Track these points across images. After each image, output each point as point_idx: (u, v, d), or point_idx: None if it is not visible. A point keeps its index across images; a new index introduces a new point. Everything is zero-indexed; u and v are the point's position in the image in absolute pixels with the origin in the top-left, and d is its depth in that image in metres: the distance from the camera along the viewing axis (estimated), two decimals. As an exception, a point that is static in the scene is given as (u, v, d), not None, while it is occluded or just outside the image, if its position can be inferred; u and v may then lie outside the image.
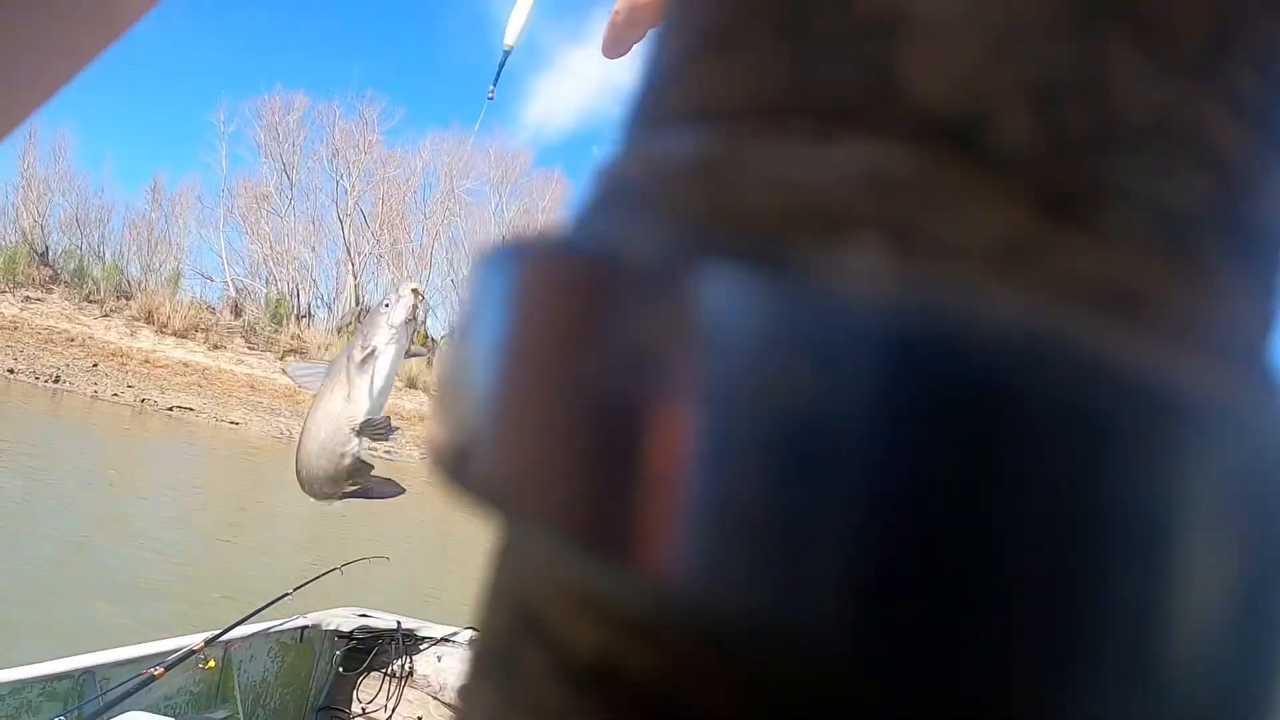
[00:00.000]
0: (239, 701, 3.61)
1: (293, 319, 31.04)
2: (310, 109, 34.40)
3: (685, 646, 0.11)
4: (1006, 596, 0.09)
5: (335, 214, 33.62)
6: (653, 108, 0.14)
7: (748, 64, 0.12)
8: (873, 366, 0.09)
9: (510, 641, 0.13)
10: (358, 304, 32.19)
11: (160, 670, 3.03)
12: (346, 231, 32.99)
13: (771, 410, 0.10)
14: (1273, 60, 0.11)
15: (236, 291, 32.46)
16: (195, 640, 3.29)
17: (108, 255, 32.29)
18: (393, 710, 4.05)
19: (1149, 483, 0.09)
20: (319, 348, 28.40)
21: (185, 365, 26.13)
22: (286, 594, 3.78)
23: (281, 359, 27.68)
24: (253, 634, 3.65)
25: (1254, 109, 0.11)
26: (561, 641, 0.12)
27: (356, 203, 33.63)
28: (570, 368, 0.11)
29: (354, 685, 4.10)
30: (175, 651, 3.21)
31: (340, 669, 4.12)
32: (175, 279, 32.04)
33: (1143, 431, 0.09)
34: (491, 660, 0.14)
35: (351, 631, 4.06)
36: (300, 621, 3.93)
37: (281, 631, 3.83)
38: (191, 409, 22.52)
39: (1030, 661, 0.09)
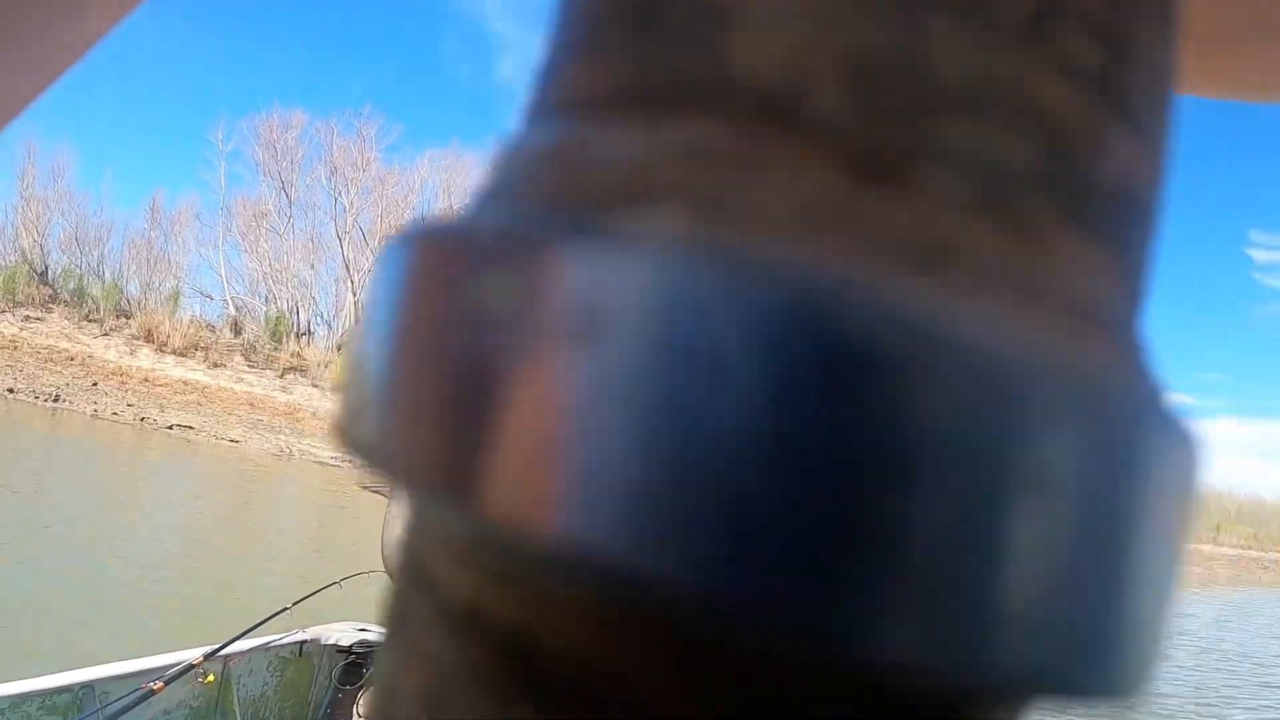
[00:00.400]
0: (238, 716, 3.60)
1: (292, 337, 31.07)
2: (308, 127, 34.57)
3: (544, 589, 0.12)
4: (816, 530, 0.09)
5: (334, 231, 33.75)
6: (534, 104, 0.15)
7: (605, 58, 0.13)
8: (679, 320, 0.10)
9: (404, 592, 0.14)
10: (357, 322, 32.16)
11: (159, 685, 3.02)
12: (345, 249, 33.08)
13: (600, 362, 0.10)
14: (1109, 24, 0.12)
15: (236, 309, 32.53)
16: (194, 654, 3.28)
17: (107, 274, 32.42)
18: None
19: (942, 425, 0.10)
20: (319, 365, 28.44)
21: (185, 383, 26.16)
22: (286, 608, 3.77)
23: (281, 376, 27.73)
24: (252, 649, 3.64)
25: (1088, 73, 0.12)
26: (439, 588, 0.13)
27: (355, 220, 33.74)
28: (430, 335, 0.12)
29: (353, 700, 4.05)
30: (174, 666, 3.20)
31: (339, 683, 4.10)
32: (175, 297, 32.17)
33: (937, 371, 0.10)
34: (392, 612, 0.14)
35: (350, 646, 4.04)
36: (299, 636, 3.91)
37: (281, 646, 3.82)
38: (191, 427, 22.55)
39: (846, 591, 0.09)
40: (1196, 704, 10.50)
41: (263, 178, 34.55)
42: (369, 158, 34.62)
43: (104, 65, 52.35)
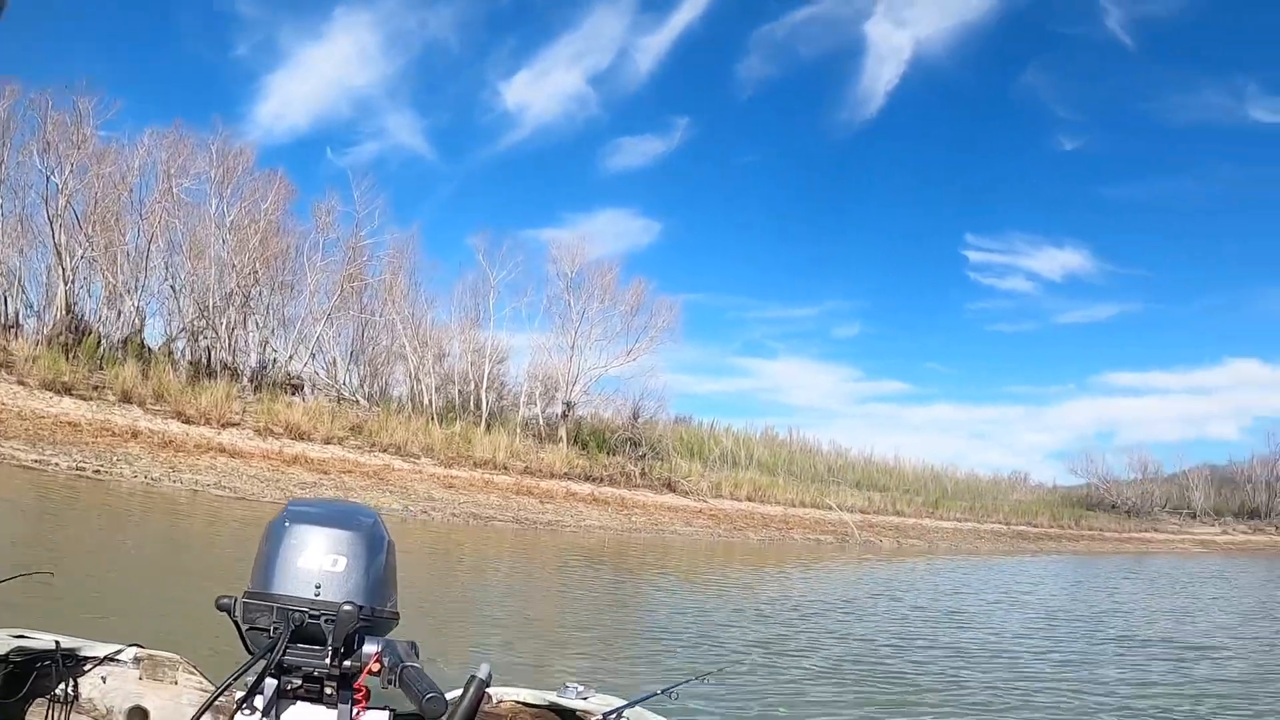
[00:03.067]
0: None
1: (-2, 328, 29.83)
2: (21, 98, 32.78)
3: None
4: None
5: (46, 213, 32.25)
6: None
7: None
8: None
9: None
10: (69, 312, 31.16)
11: None
12: (57, 232, 31.71)
13: None
14: None
15: (-66, 298, 30.84)
16: None
17: None
18: None
19: None
20: (26, 360, 27.51)
21: None
22: None
23: (-17, 371, 26.68)
24: None
25: None
26: None
27: (69, 201, 32.35)
28: None
29: (15, 715, 3.71)
30: None
31: (2, 697, 3.68)
32: None
33: None
34: None
35: (7, 654, 3.62)
36: None
37: None
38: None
39: None
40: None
41: (-34, 153, 32.60)
42: (86, 133, 33.14)
43: None
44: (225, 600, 2.79)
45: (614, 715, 3.71)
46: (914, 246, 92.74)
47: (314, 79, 78.66)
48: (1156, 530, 64.22)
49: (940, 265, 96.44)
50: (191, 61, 65.15)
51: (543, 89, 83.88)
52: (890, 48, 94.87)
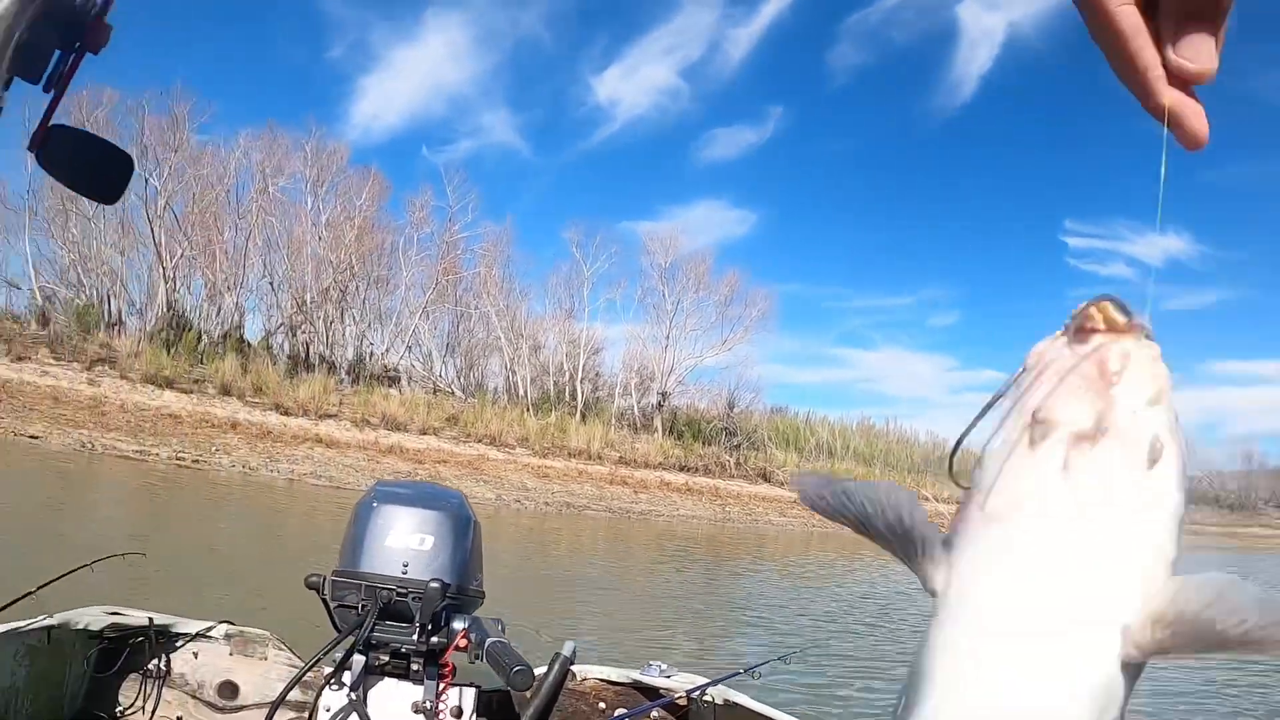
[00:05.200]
0: None
1: (102, 327, 30.49)
2: (119, 104, 33.53)
3: None
4: None
5: (145, 215, 32.93)
6: None
7: None
8: None
9: None
10: (170, 309, 31.74)
11: None
12: (157, 233, 32.36)
13: None
14: None
15: (44, 300, 31.66)
16: None
17: (-98, 264, 31.16)
18: (152, 713, 3.84)
19: None
20: (129, 356, 28.06)
21: (-16, 378, 25.55)
22: (30, 592, 3.55)
23: (89, 369, 27.28)
24: None
25: None
26: None
27: (168, 203, 33.00)
28: None
29: (110, 688, 3.85)
30: None
31: (94, 672, 3.86)
32: (-25, 287, 31.12)
33: None
34: None
35: (102, 630, 3.79)
36: (46, 621, 3.63)
37: (26, 633, 3.54)
38: (-11, 425, 22.07)
39: None
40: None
41: (70, 160, 33.30)
42: (182, 137, 33.82)
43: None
44: (314, 578, 2.89)
45: (697, 693, 3.73)
46: (1012, 232, 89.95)
47: (408, 78, 79.51)
48: (1261, 525, 61.44)
49: (1039, 251, 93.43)
50: (285, 65, 66.29)
51: (635, 82, 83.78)
52: (982, 31, 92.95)
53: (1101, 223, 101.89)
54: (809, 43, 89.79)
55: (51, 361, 27.39)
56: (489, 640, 2.70)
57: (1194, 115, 0.54)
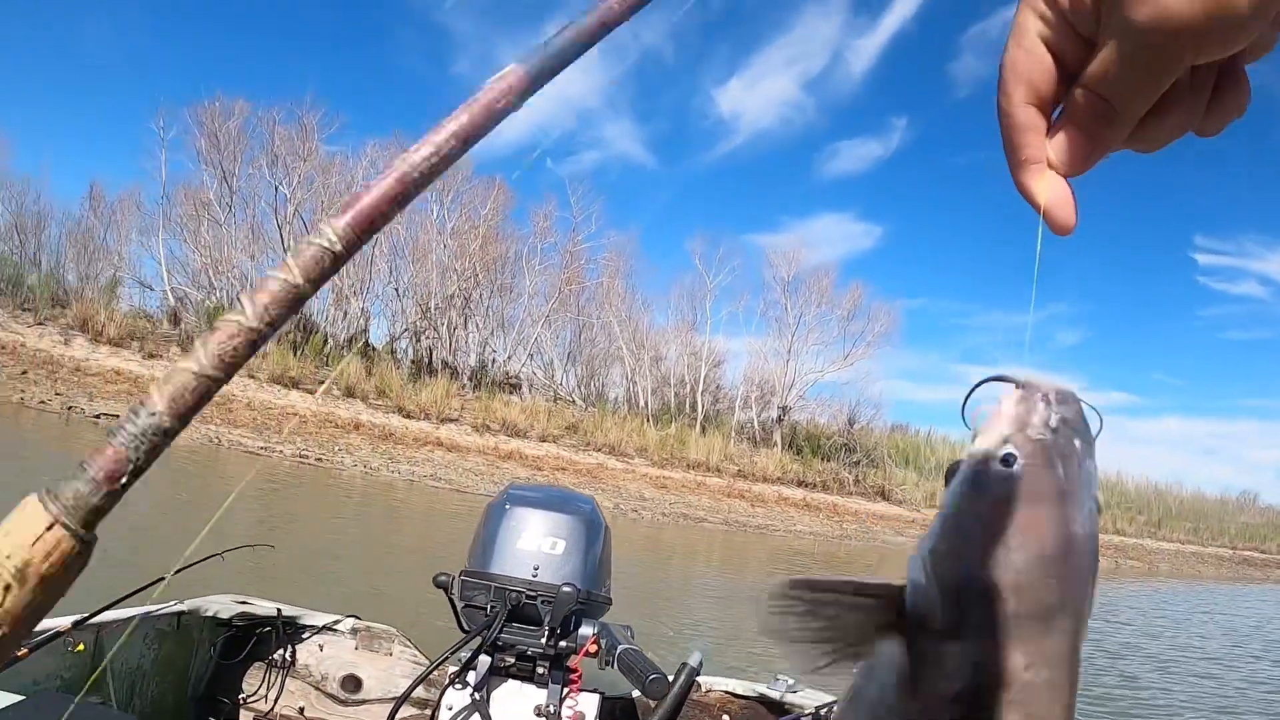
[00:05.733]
0: (112, 689, 3.42)
1: (231, 327, 30.88)
2: (251, 115, 34.26)
3: None
4: None
5: (275, 221, 33.51)
6: None
7: None
8: None
9: None
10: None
11: (24, 650, 2.80)
12: (286, 239, 32.84)
13: None
14: None
15: (176, 301, 32.32)
16: (63, 622, 3.09)
17: (44, 263, 32.10)
18: (275, 701, 3.89)
19: None
20: (257, 356, 28.35)
21: (117, 373, 25.95)
22: (162, 578, 3.55)
23: (217, 366, 27.60)
24: (125, 618, 3.42)
25: None
26: None
27: (297, 210, 33.50)
28: None
29: (234, 675, 3.92)
30: (41, 633, 2.97)
31: (220, 658, 3.94)
32: (113, 287, 31.86)
33: None
34: None
35: (230, 618, 3.89)
36: (177, 607, 3.73)
37: (157, 617, 3.64)
38: (119, 416, 22.30)
39: None
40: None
41: (204, 167, 34.09)
42: (311, 147, 34.41)
43: (42, 50, 51.76)
44: (443, 578, 2.86)
45: (825, 710, 3.55)
46: (1139, 249, 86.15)
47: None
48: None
49: (1168, 269, 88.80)
50: (411, 79, 67.42)
51: (757, 94, 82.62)
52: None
53: (1232, 239, 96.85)
54: (931, 54, 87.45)
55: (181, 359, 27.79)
56: (620, 647, 2.67)
57: (1058, 206, 0.58)
